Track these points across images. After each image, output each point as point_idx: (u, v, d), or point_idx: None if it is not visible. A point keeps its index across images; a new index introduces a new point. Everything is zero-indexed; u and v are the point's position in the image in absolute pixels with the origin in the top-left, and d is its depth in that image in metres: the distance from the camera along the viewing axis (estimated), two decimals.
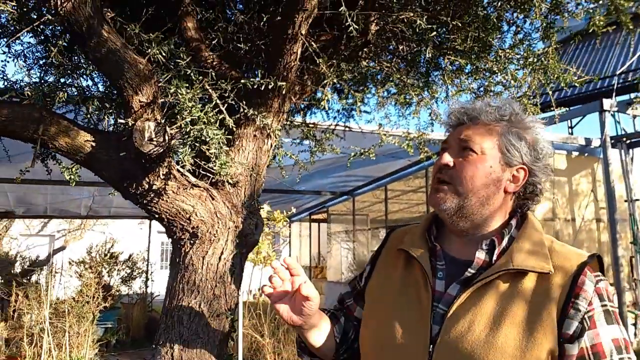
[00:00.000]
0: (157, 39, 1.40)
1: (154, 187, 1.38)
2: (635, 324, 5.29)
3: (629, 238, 5.71)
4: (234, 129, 1.52)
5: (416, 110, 2.21)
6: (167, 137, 1.26)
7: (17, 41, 1.69)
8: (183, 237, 1.50)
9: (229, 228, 1.54)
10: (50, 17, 1.29)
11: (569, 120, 7.16)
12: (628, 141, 5.89)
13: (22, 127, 1.33)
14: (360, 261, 9.51)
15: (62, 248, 13.51)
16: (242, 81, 1.49)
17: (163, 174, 1.37)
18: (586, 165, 6.07)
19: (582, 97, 6.64)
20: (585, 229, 5.94)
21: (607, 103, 5.55)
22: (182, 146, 1.36)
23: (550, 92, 2.19)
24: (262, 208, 5.13)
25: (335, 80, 1.73)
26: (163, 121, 1.31)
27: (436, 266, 1.03)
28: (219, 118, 1.45)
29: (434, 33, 1.73)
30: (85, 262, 7.73)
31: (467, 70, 2.14)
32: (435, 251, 1.05)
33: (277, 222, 6.40)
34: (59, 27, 1.70)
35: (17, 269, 9.31)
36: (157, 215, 1.46)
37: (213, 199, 1.51)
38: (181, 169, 1.45)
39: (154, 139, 1.25)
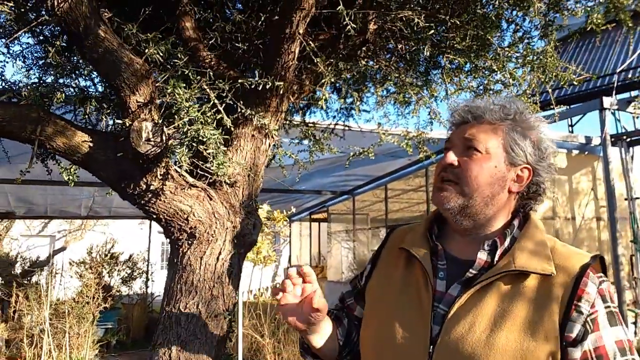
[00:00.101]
0: (154, 39, 1.40)
1: (152, 187, 1.38)
2: (635, 323, 5.29)
3: (629, 236, 5.71)
4: (232, 128, 1.52)
5: (415, 109, 2.21)
6: (164, 137, 1.26)
7: (15, 42, 1.69)
8: (181, 237, 1.50)
9: (227, 228, 1.54)
10: (47, 18, 1.29)
11: (569, 119, 7.15)
12: (628, 139, 5.88)
13: (20, 127, 1.33)
14: (360, 261, 9.51)
15: (63, 248, 13.52)
16: (240, 81, 1.49)
17: (160, 174, 1.37)
18: (586, 164, 6.06)
19: (583, 95, 6.63)
20: (586, 227, 5.93)
21: (607, 101, 5.54)
22: (179, 146, 1.36)
23: (550, 91, 2.18)
24: (261, 208, 5.12)
25: (333, 80, 1.73)
26: (160, 121, 1.31)
27: (437, 266, 1.02)
28: (217, 118, 1.45)
29: (432, 31, 1.73)
30: (86, 263, 7.73)
31: (466, 69, 2.14)
32: (436, 251, 1.04)
33: (277, 222, 6.39)
34: (57, 28, 1.70)
35: (18, 269, 9.31)
36: (154, 216, 1.46)
37: (211, 199, 1.51)
38: (179, 169, 1.44)
39: (151, 139, 1.25)
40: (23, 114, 1.32)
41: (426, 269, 1.00)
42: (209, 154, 1.41)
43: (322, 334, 1.08)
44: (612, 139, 5.70)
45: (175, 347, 1.41)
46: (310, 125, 2.36)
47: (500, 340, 0.88)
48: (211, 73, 1.50)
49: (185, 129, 1.36)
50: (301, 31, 1.46)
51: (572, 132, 7.19)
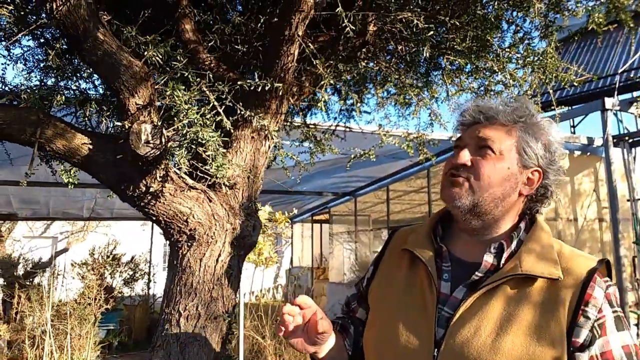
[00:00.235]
0: (154, 41, 1.40)
1: (151, 189, 1.38)
2: (637, 324, 5.27)
3: (631, 238, 5.68)
4: (232, 130, 1.52)
5: (416, 111, 2.21)
6: (163, 140, 1.26)
7: (16, 45, 1.69)
8: (180, 239, 1.50)
9: (227, 230, 1.54)
10: (46, 21, 1.29)
11: (571, 120, 7.12)
12: (630, 140, 5.86)
13: (19, 130, 1.33)
14: (362, 262, 9.50)
15: (65, 250, 13.53)
16: (240, 83, 1.49)
17: (160, 177, 1.37)
18: (588, 165, 6.04)
19: (584, 96, 6.61)
20: (588, 228, 5.91)
21: (609, 102, 5.52)
22: (178, 148, 1.36)
23: (551, 91, 2.18)
24: (261, 209, 5.12)
25: (333, 81, 1.72)
26: (159, 123, 1.31)
27: (441, 267, 1.01)
28: (216, 120, 1.45)
29: (432, 33, 1.73)
30: (88, 264, 7.74)
31: (467, 70, 2.13)
32: (441, 252, 1.03)
33: (279, 223, 6.38)
34: (58, 31, 1.70)
35: (20, 271, 9.33)
36: (154, 218, 1.46)
37: (210, 201, 1.51)
38: (178, 171, 1.44)
39: (151, 142, 1.25)
40: (23, 117, 1.33)
41: (430, 270, 0.99)
42: (208, 156, 1.41)
43: (330, 350, 1.08)
44: (614, 140, 5.68)
45: (175, 349, 1.41)
46: (311, 126, 2.36)
47: (506, 345, 0.87)
48: (211, 75, 1.50)
49: (184, 131, 1.36)
50: (300, 33, 1.46)
51: (574, 133, 7.17)
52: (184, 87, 1.38)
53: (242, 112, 1.52)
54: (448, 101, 2.20)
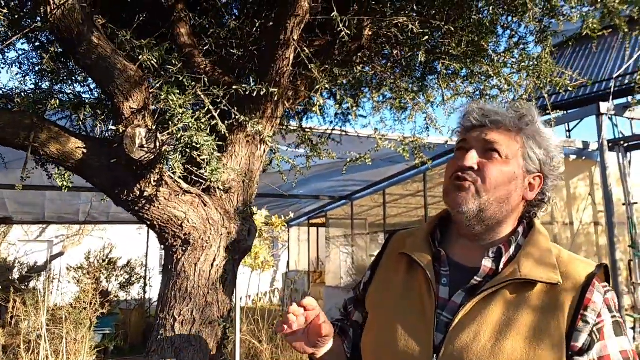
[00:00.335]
0: (149, 45, 1.40)
1: (146, 193, 1.38)
2: (634, 328, 5.28)
3: (627, 241, 5.69)
4: (227, 134, 1.52)
5: (412, 115, 2.21)
6: (158, 144, 1.26)
7: (11, 48, 1.69)
8: (175, 244, 1.49)
9: (222, 235, 1.53)
10: (40, 24, 1.29)
11: (566, 124, 7.15)
12: (625, 144, 5.88)
13: (13, 134, 1.32)
14: (359, 266, 9.49)
15: (61, 254, 13.47)
16: (235, 87, 1.49)
17: (154, 181, 1.36)
18: (584, 169, 6.06)
19: (580, 101, 6.64)
20: (584, 232, 5.93)
21: (604, 106, 5.55)
22: (173, 152, 1.35)
23: (547, 96, 2.18)
24: (257, 213, 5.11)
25: (328, 86, 1.72)
26: (154, 128, 1.30)
27: (440, 272, 1.01)
28: (211, 124, 1.45)
29: (428, 37, 1.73)
30: (83, 268, 7.71)
31: (462, 74, 2.14)
32: (439, 257, 1.03)
33: (276, 227, 6.37)
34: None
35: (15, 275, 9.28)
36: (149, 222, 1.45)
37: (205, 205, 1.50)
38: (173, 176, 1.44)
39: (145, 146, 1.24)
40: (16, 121, 1.32)
41: (429, 275, 0.99)
42: (203, 160, 1.41)
43: (329, 353, 1.07)
44: (610, 144, 5.70)
45: (170, 354, 1.41)
46: (307, 130, 2.36)
47: (506, 350, 0.87)
48: (206, 79, 1.50)
49: (179, 135, 1.36)
50: (296, 37, 1.46)
51: (569, 137, 7.20)
52: (178, 91, 1.37)
53: (237, 117, 1.51)
54: (444, 105, 2.21)
